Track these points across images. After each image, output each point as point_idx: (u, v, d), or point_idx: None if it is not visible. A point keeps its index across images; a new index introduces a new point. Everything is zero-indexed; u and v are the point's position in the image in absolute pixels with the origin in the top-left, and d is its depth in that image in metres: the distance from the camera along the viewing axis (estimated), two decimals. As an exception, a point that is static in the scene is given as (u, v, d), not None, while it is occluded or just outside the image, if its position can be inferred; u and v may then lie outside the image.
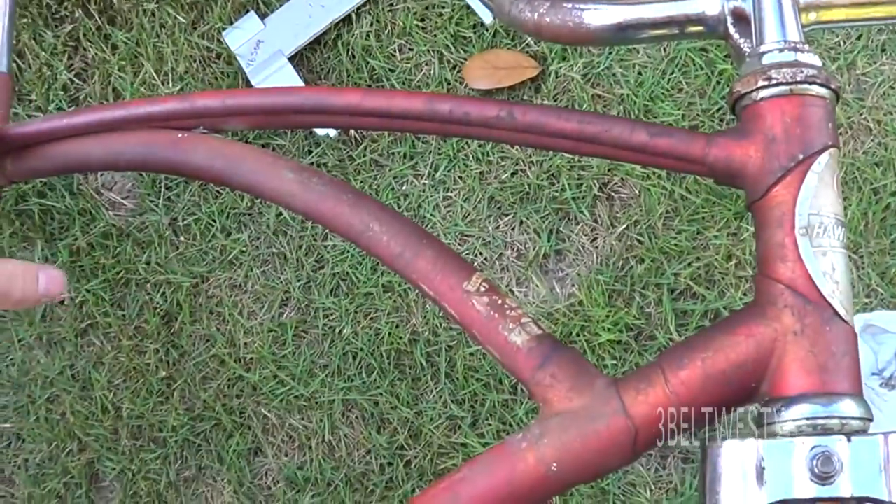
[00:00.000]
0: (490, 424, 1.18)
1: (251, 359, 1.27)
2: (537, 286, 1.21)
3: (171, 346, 1.29)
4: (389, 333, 1.23)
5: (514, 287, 1.21)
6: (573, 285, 1.20)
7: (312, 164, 1.27)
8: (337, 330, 1.25)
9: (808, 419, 0.48)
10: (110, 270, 1.32)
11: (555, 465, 0.54)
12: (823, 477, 0.47)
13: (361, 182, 1.25)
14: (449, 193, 1.24)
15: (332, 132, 1.24)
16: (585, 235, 1.21)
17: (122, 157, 0.76)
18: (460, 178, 1.24)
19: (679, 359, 0.52)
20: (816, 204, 0.50)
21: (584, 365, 0.56)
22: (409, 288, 1.23)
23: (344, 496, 1.21)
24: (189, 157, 0.72)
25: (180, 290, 1.30)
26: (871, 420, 0.50)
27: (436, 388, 1.21)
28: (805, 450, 0.48)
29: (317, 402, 1.24)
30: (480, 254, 1.22)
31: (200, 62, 1.32)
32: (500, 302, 0.58)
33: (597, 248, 1.20)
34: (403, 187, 1.26)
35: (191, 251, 1.30)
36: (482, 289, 0.59)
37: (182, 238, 1.31)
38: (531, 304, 1.20)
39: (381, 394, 1.21)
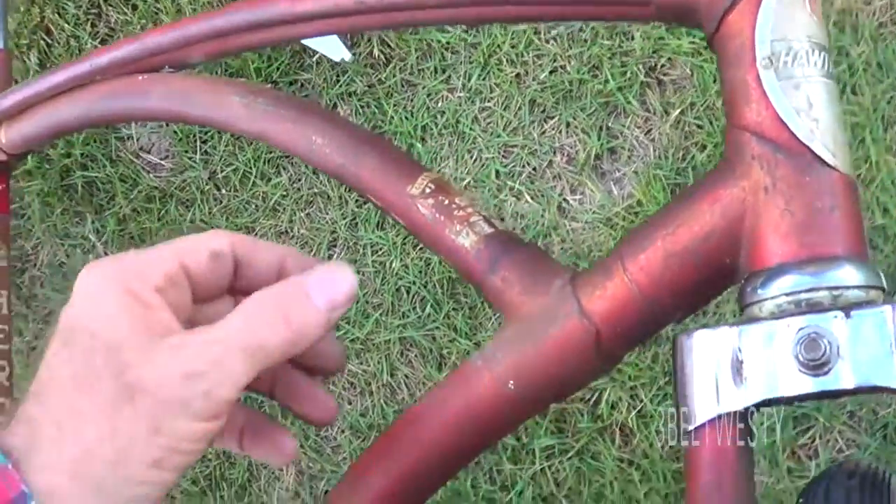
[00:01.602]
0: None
1: (304, 307, 1.28)
2: (592, 191, 1.18)
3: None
4: (440, 262, 1.22)
5: (567, 195, 1.19)
6: (631, 184, 1.17)
7: (341, 93, 1.28)
8: (387, 265, 1.26)
9: (788, 294, 0.43)
10: (157, 234, 1.37)
11: (511, 382, 0.51)
12: (814, 365, 0.41)
13: (395, 104, 1.26)
14: (486, 104, 1.24)
15: (347, 56, 1.24)
16: (638, 128, 1.18)
17: (91, 113, 0.83)
18: (496, 84, 1.23)
19: (639, 241, 0.49)
20: (781, 28, 0.45)
21: (542, 263, 0.54)
22: (455, 211, 1.21)
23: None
24: (147, 101, 0.79)
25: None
26: (880, 288, 0.44)
27: (494, 315, 1.19)
28: (790, 333, 0.42)
29: (373, 344, 1.25)
30: (528, 164, 1.21)
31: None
32: (446, 202, 0.57)
33: (652, 140, 1.17)
34: (438, 104, 1.26)
35: (233, 203, 1.34)
36: (427, 190, 0.58)
37: (223, 191, 1.35)
38: (587, 212, 1.16)
39: (437, 327, 1.21)
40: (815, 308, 0.42)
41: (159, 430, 0.40)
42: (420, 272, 1.27)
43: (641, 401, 1.14)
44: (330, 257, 1.34)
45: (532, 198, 1.23)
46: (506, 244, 0.55)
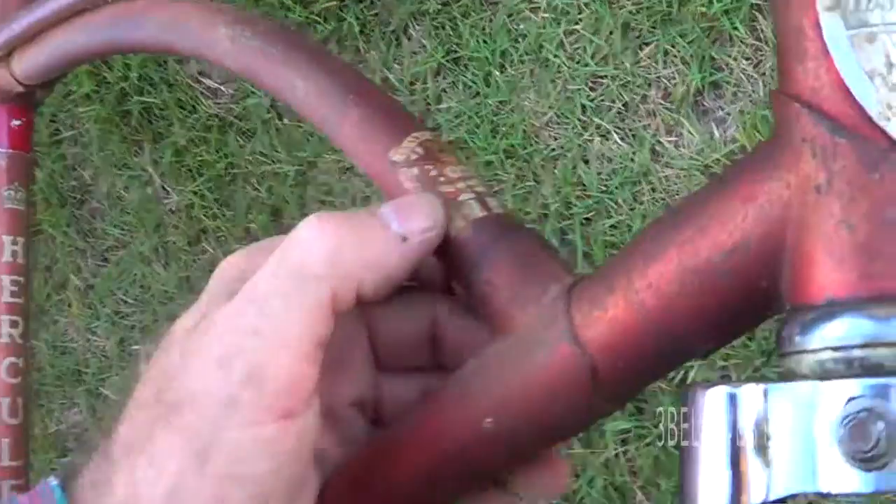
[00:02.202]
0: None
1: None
2: (691, 132, 1.05)
3: (282, 247, 1.23)
4: (517, 209, 1.12)
5: (662, 137, 1.05)
6: (735, 126, 1.02)
7: (413, 12, 1.18)
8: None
9: (836, 348, 0.30)
10: (214, 166, 1.30)
11: (489, 418, 0.40)
12: (864, 458, 0.29)
13: (471, 26, 1.15)
14: (573, 26, 1.11)
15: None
16: (746, 59, 1.03)
17: (92, 43, 0.80)
18: (585, 5, 1.09)
19: (650, 247, 0.37)
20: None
21: (539, 261, 0.42)
22: (534, 152, 1.10)
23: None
24: (140, 29, 0.68)
25: (286, 180, 1.24)
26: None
27: None
28: (834, 406, 0.30)
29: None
30: (619, 97, 1.08)
31: None
32: (433, 173, 0.46)
33: (762, 74, 1.03)
34: (520, 26, 1.14)
35: (295, 134, 1.27)
36: (413, 156, 0.47)
37: (286, 121, 1.28)
38: (683, 157, 1.02)
39: None
40: (873, 371, 0.30)
41: (206, 453, 0.32)
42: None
43: (735, 383, 1.00)
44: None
45: (622, 138, 1.09)
46: (497, 234, 0.44)
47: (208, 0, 0.73)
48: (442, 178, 0.45)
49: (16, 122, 1.05)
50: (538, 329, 0.39)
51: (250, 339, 0.33)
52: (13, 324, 1.02)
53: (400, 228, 0.39)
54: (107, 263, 1.43)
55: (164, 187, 1.38)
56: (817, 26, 0.31)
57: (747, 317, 0.36)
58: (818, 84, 0.31)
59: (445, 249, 0.45)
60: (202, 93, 1.35)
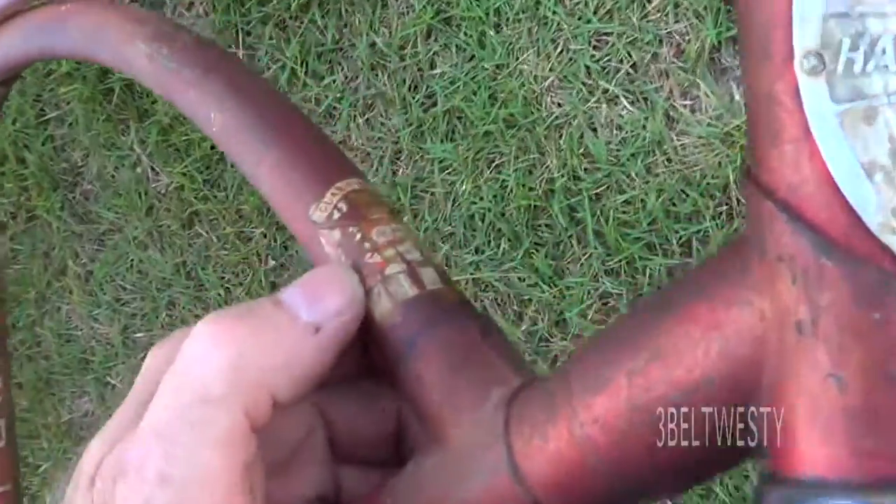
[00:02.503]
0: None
1: (364, 236, 1.10)
2: (707, 95, 0.95)
3: (277, 228, 1.18)
4: (519, 185, 1.01)
5: (676, 100, 0.95)
6: (756, 86, 0.89)
7: None
8: (457, 186, 1.05)
9: None
10: (201, 146, 1.24)
11: None
12: None
13: None
14: None
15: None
16: None
17: (25, 48, 0.70)
18: None
19: (597, 368, 0.28)
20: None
21: (479, 357, 0.34)
22: (536, 120, 1.00)
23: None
24: (61, 36, 0.63)
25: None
26: None
27: (582, 255, 0.99)
28: None
29: (443, 285, 1.05)
30: (627, 57, 0.98)
31: None
32: (357, 237, 0.38)
33: None
34: None
35: None
36: (335, 214, 0.39)
37: None
38: (700, 124, 0.92)
39: (515, 268, 1.02)
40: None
41: None
42: (496, 196, 1.06)
43: None
44: (394, 174, 1.14)
45: (631, 103, 0.98)
46: (430, 318, 0.35)
47: (133, 7, 0.66)
48: (367, 245, 0.37)
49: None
50: (473, 449, 0.31)
51: (161, 491, 0.29)
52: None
53: (310, 316, 0.33)
54: (104, 248, 1.37)
55: (152, 168, 1.31)
56: (796, 94, 0.22)
57: (714, 464, 0.27)
58: (797, 178, 0.22)
59: (370, 336, 0.37)
60: (184, 65, 1.26)
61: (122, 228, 1.36)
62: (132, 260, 1.34)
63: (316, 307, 0.33)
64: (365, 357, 0.36)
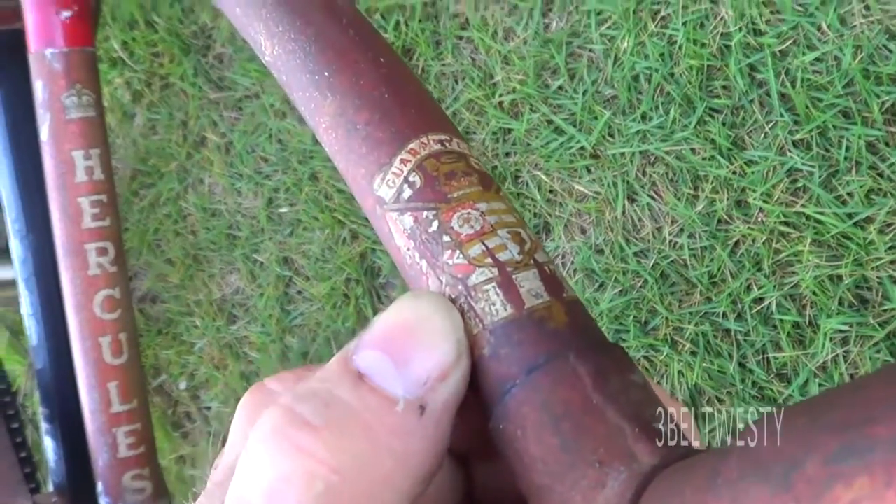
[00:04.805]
0: (851, 182, 0.82)
1: (514, 101, 1.03)
2: None
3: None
4: (689, 41, 0.91)
5: None
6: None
7: None
8: (618, 42, 0.96)
9: None
10: None
11: None
12: None
13: None
14: None
15: None
16: None
17: None
18: None
19: (776, 454, 0.21)
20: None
21: (597, 416, 0.26)
22: (709, -38, 0.88)
23: (653, 296, 0.95)
24: None
25: (414, 14, 1.08)
26: None
27: (766, 124, 0.88)
28: None
29: (606, 158, 0.97)
30: None
31: None
32: (433, 226, 0.30)
33: None
34: None
35: None
36: (405, 192, 0.30)
37: None
38: None
39: (687, 138, 0.93)
40: None
41: None
42: (663, 54, 0.95)
43: None
44: (546, 29, 1.04)
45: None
46: (528, 355, 0.27)
47: None
48: (446, 238, 0.29)
49: (65, 14, 0.93)
50: None
51: None
52: (101, 251, 0.93)
53: (409, 391, 0.25)
54: (241, 116, 1.33)
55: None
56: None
57: None
58: None
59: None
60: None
61: (258, 95, 1.31)
62: (271, 129, 1.29)
63: (410, 373, 0.25)
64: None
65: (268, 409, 0.24)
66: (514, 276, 0.27)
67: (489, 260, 0.28)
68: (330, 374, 0.25)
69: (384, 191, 0.30)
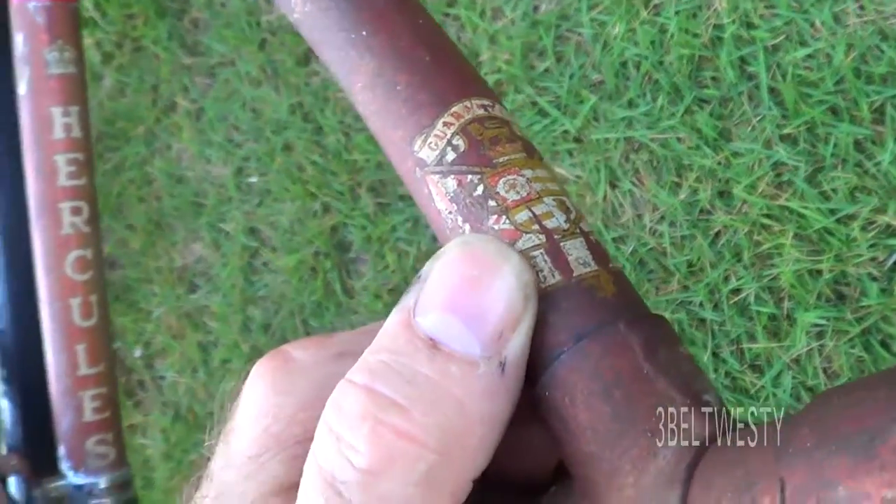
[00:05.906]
0: (837, 178, 0.84)
1: (499, 80, 1.04)
2: None
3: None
4: (681, 30, 0.92)
5: None
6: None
7: None
8: (608, 28, 0.97)
9: None
10: None
11: None
12: None
13: None
14: None
15: None
16: None
17: None
18: None
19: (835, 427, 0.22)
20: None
21: (648, 385, 0.26)
22: (705, -48, 0.90)
23: (632, 278, 0.96)
24: None
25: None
26: None
27: (754, 117, 0.90)
28: None
29: (589, 142, 0.99)
30: None
31: None
32: (479, 190, 0.30)
33: None
34: None
35: None
36: (448, 154, 0.30)
37: None
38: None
39: (674, 127, 0.94)
40: None
41: None
42: (653, 43, 0.97)
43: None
44: (535, 9, 1.05)
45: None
46: (577, 322, 0.28)
47: None
48: (492, 203, 0.29)
49: (51, -34, 0.93)
50: None
51: None
52: (75, 210, 0.93)
53: (486, 350, 0.24)
54: (214, 82, 1.33)
55: (264, -5, 1.25)
56: None
57: None
58: None
59: None
60: None
61: (233, 62, 1.30)
62: (245, 98, 1.29)
63: (483, 329, 0.25)
64: None
65: (342, 390, 0.24)
66: (561, 244, 0.28)
67: (536, 227, 0.28)
68: (398, 345, 0.25)
69: (426, 153, 0.30)
